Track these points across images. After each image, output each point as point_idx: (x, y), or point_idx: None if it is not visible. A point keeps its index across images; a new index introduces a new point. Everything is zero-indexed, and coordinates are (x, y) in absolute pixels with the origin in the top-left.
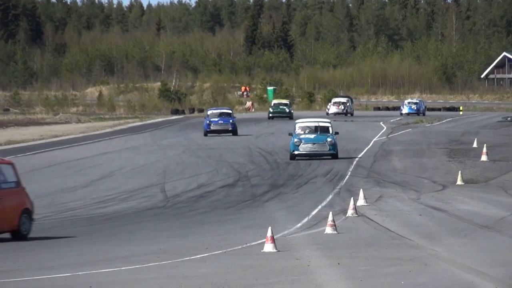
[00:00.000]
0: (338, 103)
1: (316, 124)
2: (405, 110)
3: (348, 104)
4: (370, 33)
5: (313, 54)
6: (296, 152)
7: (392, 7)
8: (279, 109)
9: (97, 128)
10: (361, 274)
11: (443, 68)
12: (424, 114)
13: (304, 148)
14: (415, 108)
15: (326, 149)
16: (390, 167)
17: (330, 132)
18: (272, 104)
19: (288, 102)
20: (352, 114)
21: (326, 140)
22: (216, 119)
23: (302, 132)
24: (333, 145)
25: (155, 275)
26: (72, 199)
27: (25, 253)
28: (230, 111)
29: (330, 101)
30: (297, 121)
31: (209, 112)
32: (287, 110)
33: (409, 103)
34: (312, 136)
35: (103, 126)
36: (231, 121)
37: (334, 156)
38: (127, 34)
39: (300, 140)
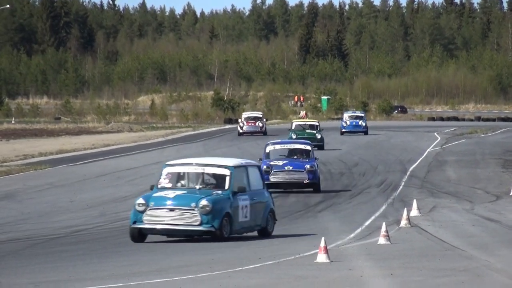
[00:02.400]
0: (252, 119)
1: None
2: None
3: (264, 120)
4: (425, 42)
5: (367, 63)
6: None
7: (448, 16)
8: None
9: (149, 137)
10: (414, 285)
11: (498, 78)
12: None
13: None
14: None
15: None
16: (444, 178)
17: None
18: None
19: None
20: (265, 133)
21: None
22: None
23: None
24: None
25: (207, 285)
26: (123, 208)
27: (76, 263)
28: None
29: (244, 119)
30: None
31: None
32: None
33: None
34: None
35: (155, 135)
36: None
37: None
38: (179, 42)
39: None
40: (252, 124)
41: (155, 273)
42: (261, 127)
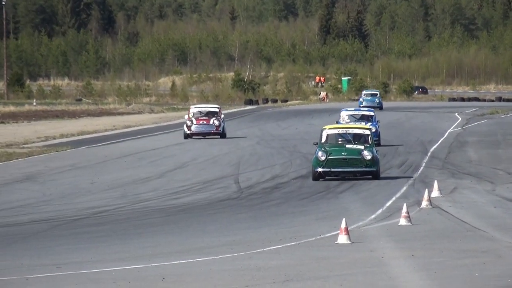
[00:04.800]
0: (205, 116)
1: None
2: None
3: (221, 116)
4: (446, 23)
5: (388, 44)
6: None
7: None
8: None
9: (170, 118)
10: (435, 266)
11: None
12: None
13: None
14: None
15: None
16: (465, 158)
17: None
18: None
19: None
20: (222, 135)
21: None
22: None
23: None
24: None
25: (228, 266)
26: (145, 190)
27: (98, 244)
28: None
29: (193, 115)
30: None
31: None
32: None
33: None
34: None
35: (176, 117)
36: None
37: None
38: (200, 24)
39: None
40: (205, 122)
41: (177, 255)
42: (217, 126)
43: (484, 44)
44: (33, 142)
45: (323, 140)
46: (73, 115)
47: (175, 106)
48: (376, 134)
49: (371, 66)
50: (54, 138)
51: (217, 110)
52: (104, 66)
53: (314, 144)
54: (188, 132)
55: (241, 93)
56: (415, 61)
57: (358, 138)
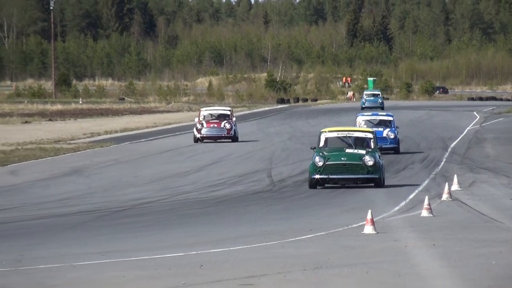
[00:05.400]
0: (216, 119)
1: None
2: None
3: (233, 119)
4: (465, 27)
5: (411, 46)
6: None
7: (487, 2)
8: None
9: None
10: (455, 255)
11: None
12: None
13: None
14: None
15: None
16: (483, 154)
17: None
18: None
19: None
20: (234, 139)
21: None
22: None
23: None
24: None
25: (262, 255)
26: (184, 183)
27: (140, 234)
28: None
29: (203, 117)
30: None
31: None
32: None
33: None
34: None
35: None
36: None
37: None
38: (235, 27)
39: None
40: (216, 125)
41: (214, 243)
42: (229, 130)
43: (501, 47)
44: (79, 138)
45: (321, 144)
46: (116, 113)
47: (211, 105)
48: (395, 141)
49: (395, 68)
50: (99, 135)
51: (228, 112)
52: (146, 67)
53: (311, 148)
54: (198, 135)
55: (273, 93)
56: (436, 63)
57: (359, 142)
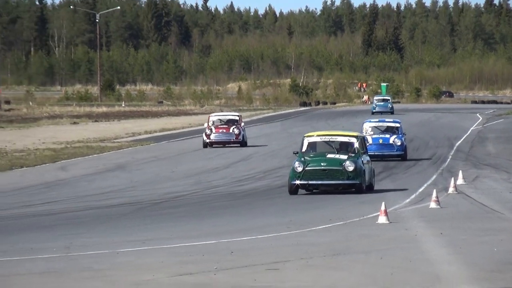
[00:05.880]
0: (224, 124)
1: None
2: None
3: (242, 124)
4: (469, 37)
5: (420, 55)
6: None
7: (488, 15)
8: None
9: None
10: (460, 242)
11: None
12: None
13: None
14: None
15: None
16: (485, 152)
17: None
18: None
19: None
20: (243, 144)
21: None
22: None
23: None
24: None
25: (286, 242)
26: (215, 178)
27: (176, 223)
28: None
29: (212, 123)
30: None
31: None
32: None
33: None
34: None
35: (242, 116)
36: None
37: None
38: (262, 38)
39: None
40: (224, 130)
41: (242, 232)
42: (237, 135)
43: (501, 55)
44: (122, 138)
45: (304, 149)
46: (155, 115)
47: (241, 108)
48: (402, 148)
49: (405, 74)
50: (140, 134)
51: (237, 118)
52: (182, 74)
53: (294, 153)
54: (207, 140)
55: (296, 96)
56: (443, 70)
57: (343, 147)
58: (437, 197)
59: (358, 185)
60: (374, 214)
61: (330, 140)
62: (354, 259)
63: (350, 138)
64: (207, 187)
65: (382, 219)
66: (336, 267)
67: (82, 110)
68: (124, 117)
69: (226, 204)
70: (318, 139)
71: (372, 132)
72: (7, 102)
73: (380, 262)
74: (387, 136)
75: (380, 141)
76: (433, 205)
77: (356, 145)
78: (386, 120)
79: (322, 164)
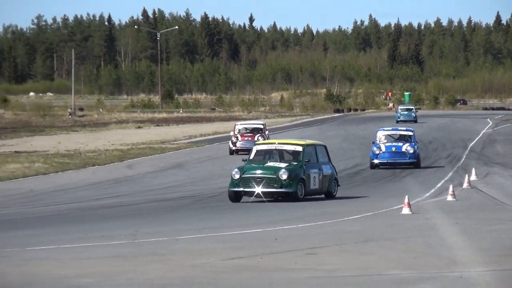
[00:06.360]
0: (250, 132)
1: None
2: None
3: (266, 132)
4: (480, 53)
5: (437, 68)
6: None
7: (497, 33)
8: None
9: (280, 122)
10: (473, 230)
11: None
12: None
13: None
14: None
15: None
16: (495, 152)
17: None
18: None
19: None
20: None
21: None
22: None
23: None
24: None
25: (322, 230)
26: None
27: (227, 215)
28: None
29: (238, 131)
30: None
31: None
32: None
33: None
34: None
35: (284, 121)
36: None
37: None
38: (301, 53)
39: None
40: (249, 138)
41: (285, 222)
42: None
43: (508, 68)
44: (180, 140)
45: (252, 156)
46: (209, 120)
47: (283, 114)
48: (414, 156)
49: (425, 84)
50: (195, 137)
51: (261, 126)
52: (231, 84)
53: (243, 160)
54: (234, 148)
55: (331, 104)
56: (458, 81)
57: (287, 155)
58: (453, 191)
59: (293, 194)
60: (399, 206)
61: (276, 148)
62: (381, 245)
63: (297, 146)
64: None
65: (405, 210)
66: (366, 252)
67: (145, 116)
68: (182, 122)
69: None
70: (265, 147)
71: (385, 140)
72: (81, 109)
73: (404, 248)
74: (400, 144)
75: (393, 149)
76: (449, 198)
77: (302, 153)
78: (399, 128)
79: (257, 172)
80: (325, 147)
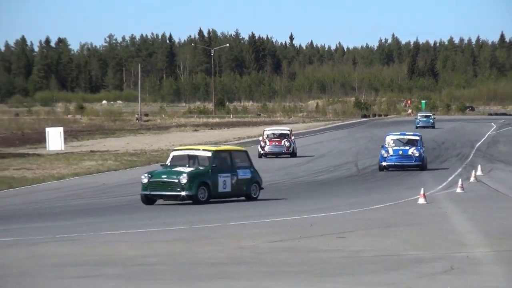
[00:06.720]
0: (277, 137)
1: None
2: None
3: (292, 137)
4: (486, 66)
5: (450, 79)
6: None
7: (501, 49)
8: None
9: (315, 126)
10: (479, 217)
11: None
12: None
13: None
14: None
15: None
16: (498, 151)
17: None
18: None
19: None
20: (293, 155)
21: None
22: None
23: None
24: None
25: (351, 218)
26: (299, 171)
27: (270, 204)
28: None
29: (266, 136)
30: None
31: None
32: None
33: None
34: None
35: (319, 125)
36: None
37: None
38: (334, 67)
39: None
40: (277, 143)
41: (319, 210)
42: (288, 147)
43: (510, 80)
44: (230, 141)
45: (168, 161)
46: (255, 124)
47: (318, 119)
48: (420, 158)
49: (439, 93)
50: (243, 138)
51: (288, 132)
52: (274, 93)
53: (161, 165)
54: (262, 152)
55: (359, 110)
56: (467, 90)
57: (197, 160)
58: (462, 184)
59: (193, 197)
60: (415, 197)
61: (189, 154)
62: (401, 230)
63: (206, 152)
64: (293, 178)
65: (421, 201)
66: (388, 236)
67: (201, 121)
68: (232, 126)
69: (306, 189)
70: (180, 153)
71: (393, 144)
72: (146, 115)
73: (420, 232)
74: (407, 148)
75: (400, 152)
76: (459, 190)
77: (210, 159)
78: (407, 133)
79: (163, 176)
80: (246, 152)
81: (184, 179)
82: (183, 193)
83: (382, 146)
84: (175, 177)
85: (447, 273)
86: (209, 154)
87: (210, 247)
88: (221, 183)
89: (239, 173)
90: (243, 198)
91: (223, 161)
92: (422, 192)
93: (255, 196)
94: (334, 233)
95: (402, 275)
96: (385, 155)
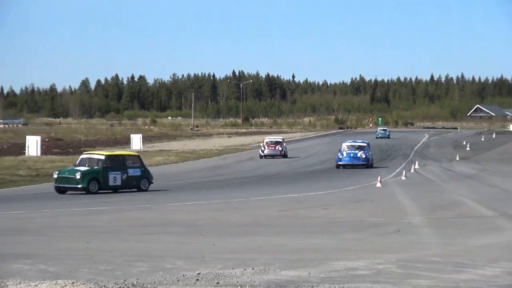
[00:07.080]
0: (273, 144)
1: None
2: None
3: (284, 144)
4: (421, 96)
5: (397, 104)
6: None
7: (432, 85)
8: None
9: (308, 135)
10: (416, 196)
11: (455, 109)
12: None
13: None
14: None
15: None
16: (429, 152)
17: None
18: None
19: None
20: (285, 156)
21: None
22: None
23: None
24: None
25: (333, 196)
26: (297, 163)
27: (279, 186)
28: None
29: (266, 143)
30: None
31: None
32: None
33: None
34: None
35: (310, 134)
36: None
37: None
38: (321, 96)
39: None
40: (273, 148)
41: (313, 190)
42: (281, 151)
43: (437, 106)
44: (252, 144)
45: (77, 162)
46: (270, 133)
47: (310, 130)
48: (365, 159)
49: (391, 114)
50: (261, 142)
51: (281, 140)
52: (281, 113)
53: (73, 165)
54: (262, 154)
55: (337, 124)
56: (409, 112)
57: (94, 162)
58: (405, 174)
59: (85, 188)
60: (374, 182)
61: (89, 157)
62: (365, 204)
63: (100, 156)
64: (292, 168)
65: (378, 185)
66: (357, 208)
67: (233, 131)
68: (253, 134)
69: (302, 177)
70: (85, 156)
71: (347, 149)
72: (197, 126)
73: (377, 205)
74: (357, 151)
75: (352, 154)
76: (403, 178)
77: (101, 161)
78: (357, 140)
79: (65, 173)
80: (138, 156)
81: (78, 175)
82: (79, 186)
83: (339, 150)
84: (73, 174)
85: (396, 233)
86: (103, 157)
87: (238, 214)
88: (112, 178)
89: (129, 171)
90: (134, 189)
91: (116, 162)
92: (379, 179)
93: (144, 188)
94: (321, 205)
95: (365, 234)
96: (341, 157)
